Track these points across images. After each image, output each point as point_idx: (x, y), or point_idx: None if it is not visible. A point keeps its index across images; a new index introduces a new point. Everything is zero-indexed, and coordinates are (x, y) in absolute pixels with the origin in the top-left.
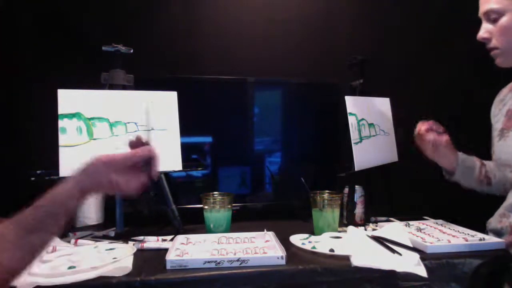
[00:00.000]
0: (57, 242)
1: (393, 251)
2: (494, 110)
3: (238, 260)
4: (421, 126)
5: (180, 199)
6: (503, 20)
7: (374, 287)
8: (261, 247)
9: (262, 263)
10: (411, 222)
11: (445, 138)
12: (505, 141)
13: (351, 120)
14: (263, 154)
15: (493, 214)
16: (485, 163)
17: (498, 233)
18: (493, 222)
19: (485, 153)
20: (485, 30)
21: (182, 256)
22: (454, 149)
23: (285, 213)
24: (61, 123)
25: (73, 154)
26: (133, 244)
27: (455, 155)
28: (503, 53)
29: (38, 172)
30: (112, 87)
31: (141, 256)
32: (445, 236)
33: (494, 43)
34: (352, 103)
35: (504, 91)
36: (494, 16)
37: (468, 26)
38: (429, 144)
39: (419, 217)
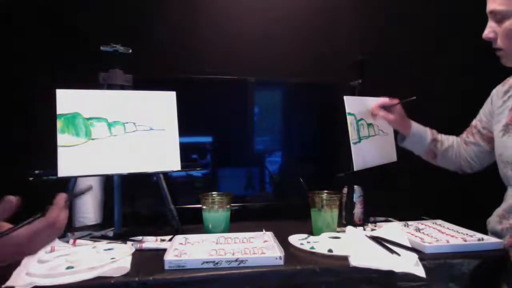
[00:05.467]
0: (55, 242)
1: (392, 251)
2: (497, 100)
3: (236, 260)
4: (373, 106)
5: (179, 199)
6: (508, 23)
7: (372, 287)
8: (259, 247)
9: (261, 264)
10: (409, 222)
11: (391, 116)
12: (510, 137)
13: (350, 120)
14: (263, 154)
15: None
16: (440, 138)
17: (497, 234)
18: (492, 222)
19: None
20: (490, 29)
21: (180, 256)
22: (407, 119)
23: (284, 213)
24: (60, 123)
25: (72, 154)
26: (132, 244)
27: (409, 124)
28: (507, 55)
29: (36, 172)
30: (110, 87)
31: (139, 256)
32: (444, 236)
33: (499, 44)
34: (351, 103)
35: (510, 81)
36: (498, 17)
37: (468, 25)
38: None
39: (417, 217)
